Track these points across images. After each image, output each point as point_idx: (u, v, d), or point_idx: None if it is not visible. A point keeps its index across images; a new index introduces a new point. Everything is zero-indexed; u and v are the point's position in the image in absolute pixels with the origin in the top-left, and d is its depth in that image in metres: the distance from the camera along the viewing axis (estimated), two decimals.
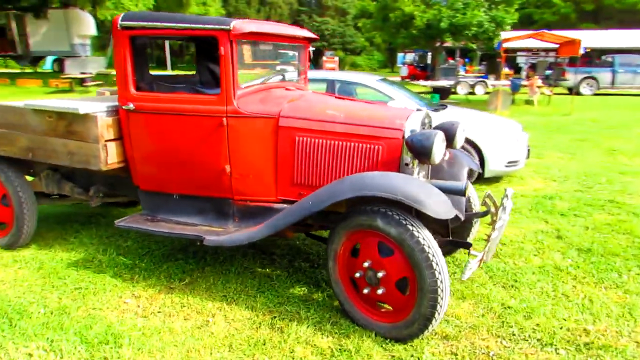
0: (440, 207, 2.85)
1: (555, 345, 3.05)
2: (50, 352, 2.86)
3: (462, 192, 3.18)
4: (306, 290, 3.68)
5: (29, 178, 4.42)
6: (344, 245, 3.16)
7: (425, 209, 2.79)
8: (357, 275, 3.07)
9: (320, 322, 3.24)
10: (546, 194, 6.19)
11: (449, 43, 27.44)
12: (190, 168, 3.67)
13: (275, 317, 3.30)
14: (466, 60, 33.60)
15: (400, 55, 39.52)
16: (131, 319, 3.26)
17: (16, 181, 4.17)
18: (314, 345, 2.99)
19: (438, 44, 26.45)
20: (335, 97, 3.79)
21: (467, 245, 3.40)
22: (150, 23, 3.51)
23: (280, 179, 3.56)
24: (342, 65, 48.30)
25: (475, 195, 4.14)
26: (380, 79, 7.09)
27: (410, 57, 34.77)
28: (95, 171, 3.88)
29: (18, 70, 33.28)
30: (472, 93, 22.47)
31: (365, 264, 3.03)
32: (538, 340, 3.10)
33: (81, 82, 21.35)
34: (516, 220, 5.24)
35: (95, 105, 3.73)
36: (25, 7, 29.92)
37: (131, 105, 3.64)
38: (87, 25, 30.44)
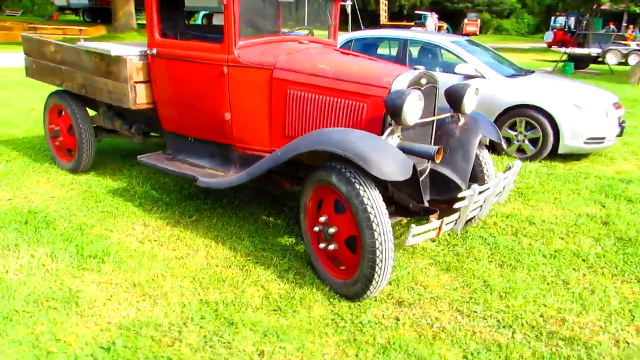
0: (388, 167, 2.74)
1: (514, 328, 2.84)
2: (50, 257, 3.37)
3: (430, 156, 3.00)
4: (293, 240, 3.80)
5: (92, 113, 5.04)
6: (311, 199, 3.20)
7: (369, 167, 2.72)
8: (316, 229, 3.11)
9: (286, 270, 3.35)
10: (625, 177, 5.44)
11: (606, 6, 24.22)
12: (199, 113, 3.93)
13: (249, 260, 3.48)
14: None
15: (553, 19, 35.80)
16: (129, 242, 3.67)
17: (79, 114, 4.79)
18: (267, 289, 3.13)
19: (595, 6, 23.49)
20: (341, 52, 3.72)
21: (429, 211, 3.20)
22: None
23: (274, 130, 3.66)
24: (485, 29, 45.17)
25: (491, 165, 3.84)
26: (456, 41, 6.66)
27: (561, 20, 31.30)
28: (134, 110, 4.32)
29: None
30: (625, 63, 19.76)
31: (322, 219, 3.05)
32: (497, 321, 2.90)
33: None
34: (569, 200, 4.73)
35: (129, 49, 4.13)
36: None
37: (154, 51, 3.96)
38: None
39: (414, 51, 7.26)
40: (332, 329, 2.78)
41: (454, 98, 3.65)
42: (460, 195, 3.06)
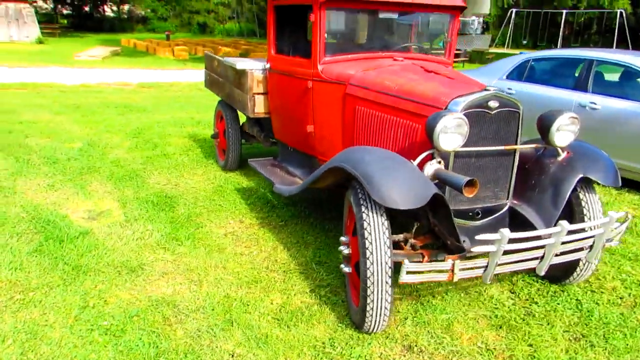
0: (391, 193, 2.50)
1: None
2: (150, 233, 4.02)
3: (458, 188, 2.60)
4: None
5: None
6: (348, 217, 3.11)
7: (371, 190, 2.53)
8: (340, 248, 3.02)
9: (323, 286, 3.33)
10: None
11: None
12: (292, 124, 4.16)
13: (298, 269, 3.55)
14: None
15: None
16: (215, 233, 4.10)
17: (230, 120, 5.51)
18: (289, 299, 3.17)
19: None
20: (426, 69, 3.43)
21: (457, 250, 2.74)
22: None
23: (345, 144, 3.65)
24: None
25: (597, 210, 3.10)
26: None
27: None
28: (262, 118, 4.79)
29: None
30: None
31: (343, 239, 2.95)
32: None
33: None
34: None
35: (254, 64, 4.61)
36: None
37: (268, 65, 4.35)
38: (481, 3, 31.60)
39: (613, 76, 6.14)
40: (315, 353, 2.67)
41: (543, 128, 3.09)
42: (484, 237, 2.58)
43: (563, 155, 3.18)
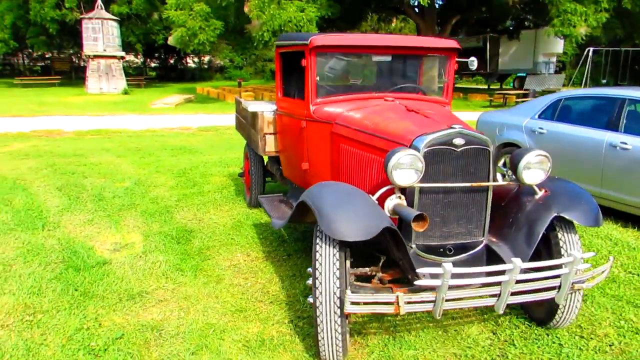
0: (339, 225, 2.61)
1: None
2: (162, 262, 4.33)
3: (408, 222, 2.65)
4: None
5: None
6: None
7: (320, 220, 2.66)
8: (308, 281, 3.12)
9: (304, 317, 3.43)
10: None
11: None
12: (292, 162, 4.37)
13: (285, 301, 3.68)
14: None
15: None
16: (220, 265, 4.34)
17: (253, 159, 5.83)
18: (266, 328, 3.30)
19: None
20: (408, 109, 3.51)
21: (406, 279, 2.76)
22: (285, 42, 4.37)
23: (334, 180, 3.79)
24: None
25: (575, 250, 3.00)
26: None
27: None
28: (276, 158, 5.06)
29: (478, 86, 37.06)
30: None
31: (309, 270, 3.05)
32: None
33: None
34: None
35: (266, 106, 4.91)
36: (501, 30, 32.89)
37: (275, 107, 4.63)
38: (553, 43, 30.76)
39: None
40: None
41: (513, 166, 3.07)
42: (425, 271, 2.58)
43: (540, 193, 3.14)
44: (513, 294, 2.72)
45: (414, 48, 4.08)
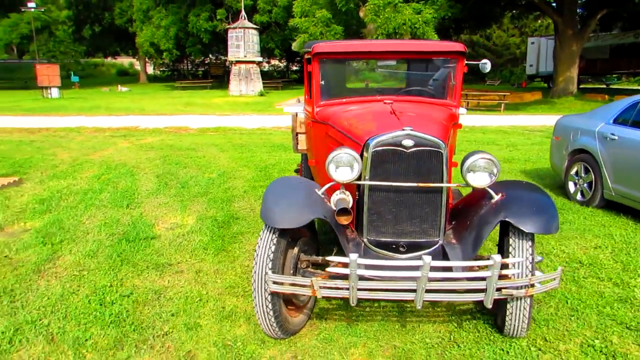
0: (273, 214, 2.96)
1: None
2: (201, 237, 5.01)
3: (333, 215, 2.89)
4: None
5: None
6: None
7: (261, 211, 3.03)
8: None
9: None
10: None
11: None
12: (309, 159, 4.72)
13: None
14: None
15: None
16: (242, 247, 4.87)
17: (304, 157, 6.28)
18: (242, 300, 3.74)
19: None
20: (392, 111, 3.61)
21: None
22: (304, 49, 4.73)
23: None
24: None
25: (522, 252, 2.96)
26: None
27: None
28: None
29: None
30: None
31: None
32: None
33: None
34: None
35: (301, 108, 5.33)
36: None
37: (318, 108, 5.01)
38: None
39: None
40: (221, 346, 3.21)
41: (461, 169, 3.11)
42: (334, 259, 2.78)
43: (496, 197, 3.13)
44: (431, 291, 2.81)
45: (417, 53, 4.18)
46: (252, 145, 11.34)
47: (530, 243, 2.98)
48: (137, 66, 52.67)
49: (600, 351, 3.08)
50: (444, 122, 3.63)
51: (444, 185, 3.15)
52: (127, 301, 3.78)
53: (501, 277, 2.89)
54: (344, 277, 2.82)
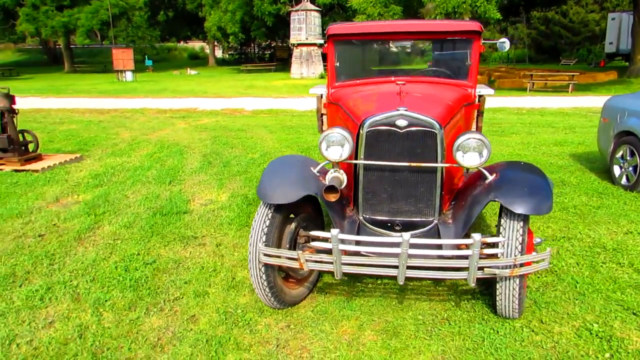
0: (266, 190, 3.11)
1: None
2: (229, 214, 5.28)
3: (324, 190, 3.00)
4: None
5: None
6: None
7: (257, 187, 3.19)
8: None
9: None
10: None
11: None
12: None
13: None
14: None
15: None
16: None
17: None
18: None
19: None
20: (399, 91, 3.60)
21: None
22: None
23: None
24: None
25: (511, 233, 2.94)
26: None
27: None
28: None
29: None
30: None
31: None
32: None
33: None
34: None
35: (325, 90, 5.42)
36: None
37: (332, 90, 5.12)
38: None
39: None
40: (223, 311, 3.44)
41: (452, 148, 3.10)
42: (317, 234, 2.89)
43: (490, 178, 3.11)
44: (413, 267, 2.87)
45: (432, 33, 4.13)
46: (301, 127, 11.54)
47: (521, 224, 2.94)
48: (207, 50, 54.31)
49: (597, 335, 3.00)
50: (449, 102, 3.60)
51: (438, 165, 3.16)
52: (149, 268, 4.09)
53: (489, 256, 2.90)
54: (329, 251, 2.93)
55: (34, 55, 60.17)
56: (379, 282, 3.76)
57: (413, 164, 3.16)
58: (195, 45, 63.57)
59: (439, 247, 3.06)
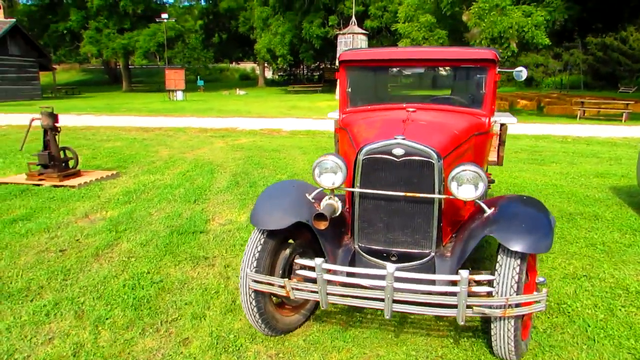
0: (257, 216, 3.10)
1: None
2: (245, 235, 5.31)
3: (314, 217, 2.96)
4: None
5: None
6: None
7: (251, 212, 3.19)
8: None
9: None
10: None
11: None
12: None
13: None
14: None
15: None
16: None
17: None
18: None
19: None
20: (406, 119, 3.53)
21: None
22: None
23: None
24: None
25: (506, 270, 2.80)
26: None
27: None
28: None
29: None
30: None
31: None
32: None
33: None
34: None
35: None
36: None
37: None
38: None
39: None
40: (215, 336, 3.43)
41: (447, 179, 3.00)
42: (301, 262, 2.83)
43: (489, 212, 2.99)
44: (400, 302, 2.77)
45: (445, 60, 4.06)
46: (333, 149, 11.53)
47: (518, 262, 2.79)
48: (258, 71, 55.71)
49: None
50: (455, 132, 3.51)
51: (435, 196, 3.06)
52: (155, 288, 4.15)
53: (486, 295, 2.78)
54: (312, 280, 2.89)
55: (97, 74, 63.57)
56: (378, 312, 3.66)
57: (408, 194, 3.07)
58: (247, 66, 65.35)
59: (433, 282, 2.94)
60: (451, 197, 3.02)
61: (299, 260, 3.03)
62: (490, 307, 2.71)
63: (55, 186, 7.81)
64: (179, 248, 5.06)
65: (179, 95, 30.98)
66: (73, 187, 7.75)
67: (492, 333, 2.88)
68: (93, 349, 3.27)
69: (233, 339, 3.36)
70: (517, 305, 2.75)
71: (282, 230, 3.16)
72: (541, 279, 3.04)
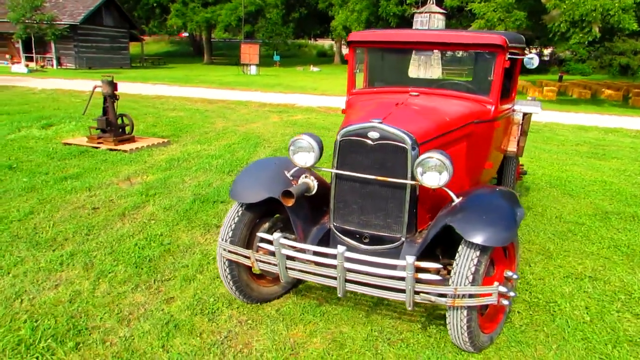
0: (236, 189, 3.25)
1: None
2: None
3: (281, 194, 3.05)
4: None
5: None
6: None
7: (231, 185, 3.35)
8: None
9: None
10: None
11: None
12: None
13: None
14: None
15: None
16: None
17: None
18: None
19: None
20: (406, 103, 3.47)
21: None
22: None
23: None
24: None
25: (462, 260, 2.78)
26: None
27: None
28: None
29: None
30: None
31: None
32: None
33: None
34: None
35: None
36: None
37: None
38: None
39: None
40: (194, 300, 3.66)
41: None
42: (262, 235, 2.93)
43: (456, 201, 2.94)
44: (351, 281, 2.82)
45: (454, 44, 3.93)
46: None
47: (477, 253, 2.75)
48: (335, 48, 55.50)
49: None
50: (446, 118, 3.44)
51: (406, 182, 3.03)
52: (161, 249, 4.45)
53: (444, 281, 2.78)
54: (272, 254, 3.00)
55: (183, 46, 66.22)
56: (359, 293, 3.71)
57: (379, 178, 3.08)
58: (325, 43, 65.29)
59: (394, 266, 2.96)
60: (419, 183, 3.00)
61: (260, 234, 3.15)
62: (436, 295, 2.69)
63: (110, 150, 8.41)
64: (197, 215, 5.34)
65: (253, 69, 31.70)
66: (125, 151, 8.32)
67: (447, 322, 2.86)
68: (88, 297, 3.60)
69: (212, 302, 3.56)
70: (472, 296, 2.71)
71: (259, 204, 3.29)
72: (510, 273, 2.96)
